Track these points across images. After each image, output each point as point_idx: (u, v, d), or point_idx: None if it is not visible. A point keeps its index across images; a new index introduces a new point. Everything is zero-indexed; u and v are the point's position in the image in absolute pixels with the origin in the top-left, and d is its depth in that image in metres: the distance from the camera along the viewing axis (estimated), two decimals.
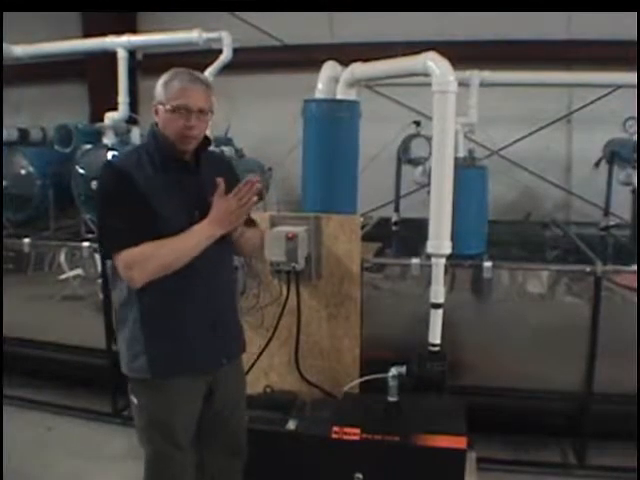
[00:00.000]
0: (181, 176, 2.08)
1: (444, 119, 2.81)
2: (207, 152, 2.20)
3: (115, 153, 3.97)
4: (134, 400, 2.17)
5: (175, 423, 2.14)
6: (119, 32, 4.29)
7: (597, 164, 4.65)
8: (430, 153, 3.09)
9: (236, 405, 2.37)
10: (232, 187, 2.04)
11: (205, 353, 2.15)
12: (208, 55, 4.24)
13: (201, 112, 2.03)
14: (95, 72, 5.70)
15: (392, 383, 2.72)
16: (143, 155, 2.07)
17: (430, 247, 2.90)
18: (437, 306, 2.89)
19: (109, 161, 2.23)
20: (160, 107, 2.03)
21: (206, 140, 2.14)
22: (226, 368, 2.25)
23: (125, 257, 1.95)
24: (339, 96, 3.41)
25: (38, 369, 4.30)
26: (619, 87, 4.37)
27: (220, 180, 2.01)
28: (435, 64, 2.83)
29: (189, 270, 2.02)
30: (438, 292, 2.89)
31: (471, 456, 2.71)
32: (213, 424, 2.29)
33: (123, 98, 4.22)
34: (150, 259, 1.96)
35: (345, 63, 3.48)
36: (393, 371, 2.72)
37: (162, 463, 2.19)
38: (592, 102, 4.92)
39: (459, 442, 2.53)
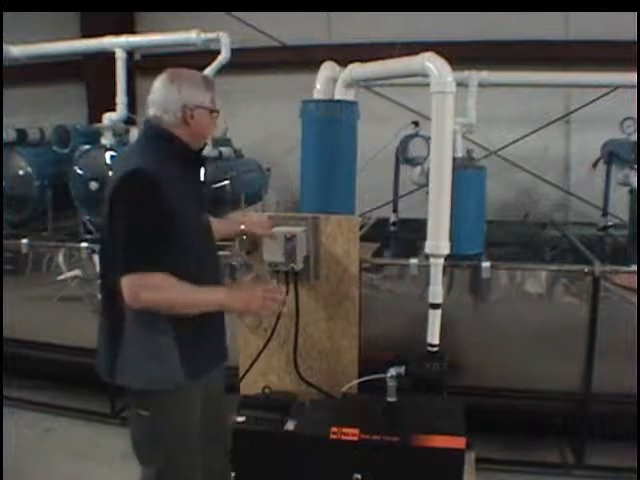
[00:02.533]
0: (191, 172, 2.17)
1: (442, 119, 2.80)
2: None
3: (113, 154, 3.97)
4: (143, 413, 2.09)
5: (193, 426, 2.16)
6: (117, 32, 4.29)
7: (595, 164, 4.66)
8: (428, 153, 3.09)
9: (219, 400, 2.43)
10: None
11: (218, 352, 2.27)
12: (206, 55, 4.24)
13: None
14: (93, 72, 5.70)
15: (391, 383, 2.71)
16: (160, 155, 2.03)
17: (428, 247, 2.89)
18: (435, 306, 2.89)
19: (138, 168, 1.99)
20: (202, 111, 2.06)
21: None
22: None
23: (146, 279, 1.92)
24: (337, 97, 3.41)
25: (37, 370, 4.29)
26: (617, 88, 4.37)
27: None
28: (433, 64, 2.82)
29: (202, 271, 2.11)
30: (436, 292, 2.89)
31: (470, 456, 2.70)
32: (206, 422, 2.30)
33: (121, 98, 4.21)
34: (162, 290, 1.95)
35: (343, 64, 3.48)
36: (392, 371, 2.71)
37: (180, 472, 2.17)
38: (590, 102, 4.92)
39: (458, 442, 2.53)
